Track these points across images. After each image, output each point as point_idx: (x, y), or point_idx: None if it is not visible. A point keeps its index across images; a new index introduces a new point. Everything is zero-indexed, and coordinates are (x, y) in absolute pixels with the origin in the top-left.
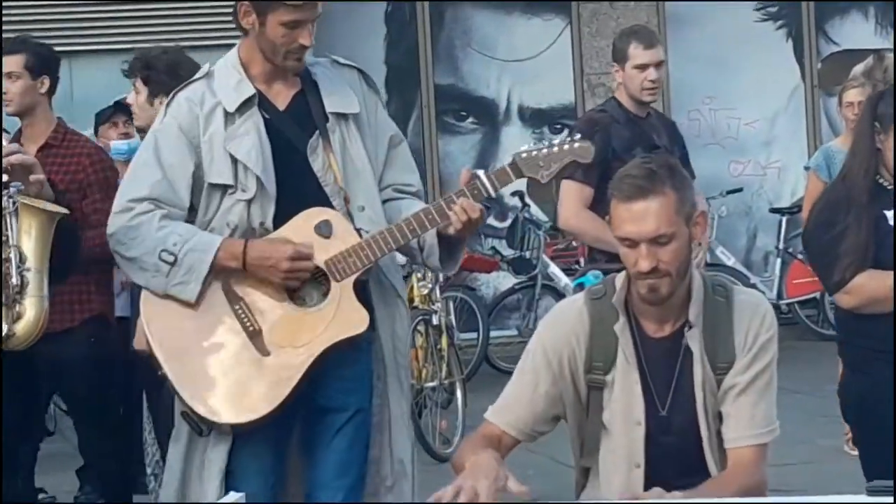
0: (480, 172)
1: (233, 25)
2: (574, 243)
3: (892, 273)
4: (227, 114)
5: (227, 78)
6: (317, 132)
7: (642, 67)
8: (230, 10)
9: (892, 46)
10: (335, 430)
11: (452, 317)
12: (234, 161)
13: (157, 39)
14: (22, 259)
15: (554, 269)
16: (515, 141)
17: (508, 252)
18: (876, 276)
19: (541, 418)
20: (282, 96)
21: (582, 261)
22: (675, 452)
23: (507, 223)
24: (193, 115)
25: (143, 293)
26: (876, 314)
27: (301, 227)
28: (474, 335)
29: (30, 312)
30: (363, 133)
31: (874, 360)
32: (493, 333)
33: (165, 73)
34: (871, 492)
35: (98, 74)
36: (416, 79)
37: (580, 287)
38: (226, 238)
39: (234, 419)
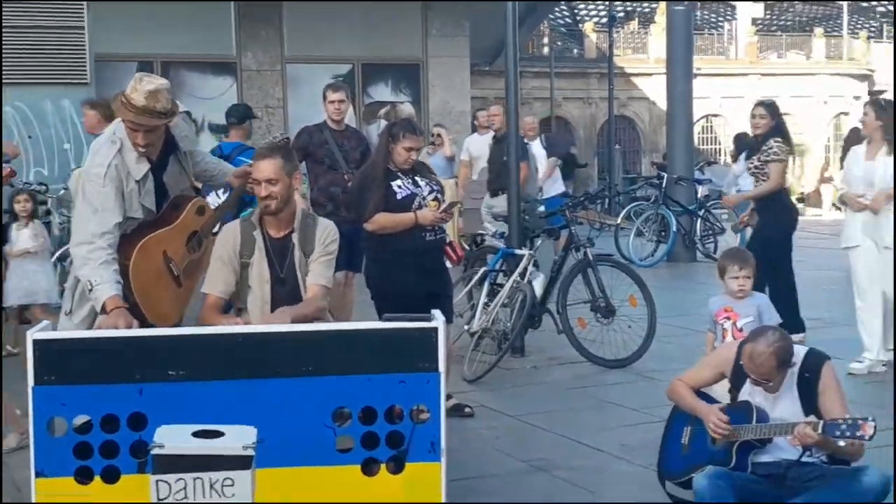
0: None
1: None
2: None
3: (394, 215)
4: (136, 181)
5: (130, 153)
6: (168, 165)
7: (332, 102)
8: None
9: (404, 100)
10: None
11: None
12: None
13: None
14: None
15: None
16: (208, 143)
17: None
18: (385, 216)
19: (232, 283)
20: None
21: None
22: (286, 296)
23: None
24: (120, 177)
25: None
26: (385, 234)
27: (189, 213)
28: None
29: None
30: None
31: (381, 254)
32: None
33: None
34: (387, 319)
35: None
36: None
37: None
38: (109, 297)
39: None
